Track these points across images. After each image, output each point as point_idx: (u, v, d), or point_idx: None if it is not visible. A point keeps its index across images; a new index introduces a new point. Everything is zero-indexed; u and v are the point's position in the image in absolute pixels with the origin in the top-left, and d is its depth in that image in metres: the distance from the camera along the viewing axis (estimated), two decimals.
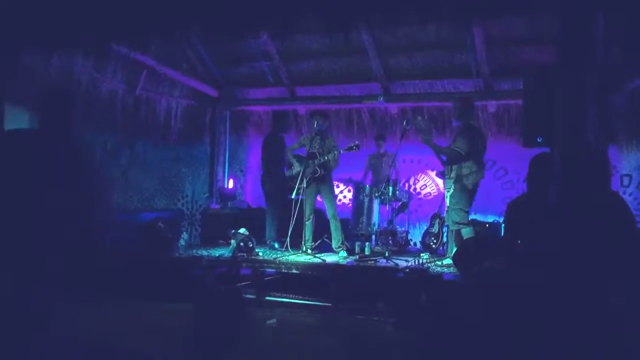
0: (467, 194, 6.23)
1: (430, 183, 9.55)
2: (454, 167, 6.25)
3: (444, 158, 6.41)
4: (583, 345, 2.58)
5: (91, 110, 7.75)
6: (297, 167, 7.17)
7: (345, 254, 7.01)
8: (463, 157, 6.15)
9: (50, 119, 2.98)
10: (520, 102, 6.37)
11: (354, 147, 6.92)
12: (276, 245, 7.53)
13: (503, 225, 3.92)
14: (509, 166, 8.93)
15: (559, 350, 2.60)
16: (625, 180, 8.31)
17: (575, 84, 3.73)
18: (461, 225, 6.17)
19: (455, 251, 5.78)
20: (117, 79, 8.27)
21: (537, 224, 3.29)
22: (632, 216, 3.08)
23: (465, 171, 6.18)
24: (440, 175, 6.81)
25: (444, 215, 6.69)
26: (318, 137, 7.15)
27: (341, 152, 6.98)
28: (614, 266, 2.78)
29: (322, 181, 7.13)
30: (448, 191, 6.35)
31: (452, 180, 6.25)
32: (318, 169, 7.02)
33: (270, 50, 9.00)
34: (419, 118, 6.52)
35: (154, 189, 9.10)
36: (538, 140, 4.37)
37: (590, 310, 2.60)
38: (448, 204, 6.34)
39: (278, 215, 7.67)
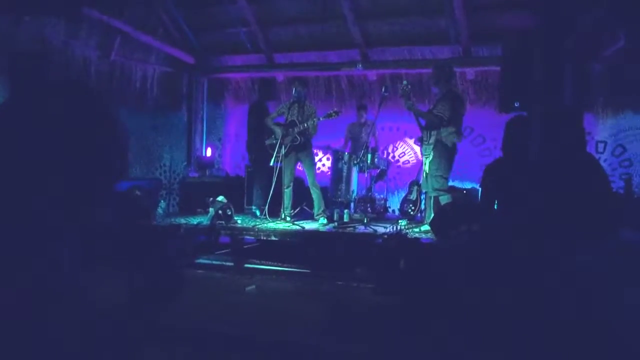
0: (446, 160, 6.23)
1: (408, 151, 9.58)
2: (433, 132, 6.25)
3: (423, 122, 6.40)
4: (553, 302, 2.63)
5: (64, 77, 7.57)
6: (277, 135, 7.13)
7: (325, 221, 7.03)
8: (445, 122, 6.15)
9: (24, 82, 2.88)
10: (498, 69, 6.39)
11: (333, 114, 6.89)
12: (258, 213, 7.52)
13: (480, 190, 3.95)
14: (487, 133, 8.98)
15: (532, 307, 2.65)
16: (600, 147, 8.42)
17: (554, 48, 3.73)
18: (440, 192, 6.20)
19: (433, 217, 5.82)
20: (90, 45, 8.07)
21: (512, 186, 3.31)
22: (606, 176, 3.12)
23: (444, 134, 6.19)
24: (418, 142, 6.81)
25: (422, 182, 6.72)
26: (297, 104, 7.09)
27: (320, 119, 6.94)
28: (586, 225, 2.82)
29: (302, 149, 7.10)
30: (427, 157, 6.35)
31: (431, 146, 6.25)
32: (297, 136, 6.98)
33: (247, 16, 8.85)
34: (405, 82, 6.48)
35: (131, 157, 8.98)
36: (515, 104, 4.39)
37: (562, 267, 2.65)
38: (427, 171, 6.35)
39: (264, 183, 7.61)
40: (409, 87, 6.43)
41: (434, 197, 6.29)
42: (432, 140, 6.25)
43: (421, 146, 6.57)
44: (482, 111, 8.81)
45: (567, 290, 2.63)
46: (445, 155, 6.22)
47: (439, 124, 6.17)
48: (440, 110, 6.15)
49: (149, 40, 8.84)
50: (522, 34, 4.48)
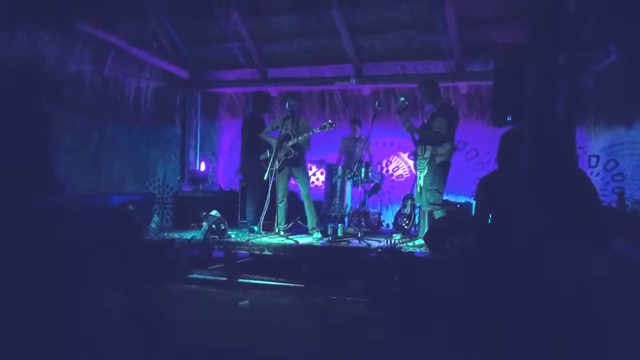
0: (441, 174, 6.24)
1: (402, 165, 9.61)
2: (428, 147, 6.24)
3: (417, 137, 6.41)
4: (549, 314, 2.64)
5: (58, 91, 7.58)
6: (271, 150, 7.12)
7: (319, 235, 7.02)
8: (443, 137, 6.14)
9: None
10: (491, 83, 6.45)
11: (328, 126, 6.88)
12: (256, 229, 7.43)
13: (474, 203, 3.97)
14: (480, 147, 9.03)
15: (527, 320, 2.66)
16: (593, 161, 8.47)
17: (545, 61, 3.77)
18: (435, 207, 6.20)
19: (427, 230, 5.83)
20: (84, 60, 8.09)
21: (506, 199, 3.33)
22: (595, 190, 3.15)
23: (441, 150, 6.19)
24: (412, 156, 6.82)
25: (415, 196, 6.73)
26: (290, 119, 7.12)
27: (315, 131, 6.92)
28: (577, 237, 2.84)
29: (296, 163, 7.11)
30: (421, 172, 6.35)
31: (427, 160, 6.24)
32: (292, 150, 7.00)
33: (241, 31, 8.91)
34: (402, 99, 6.47)
35: (124, 172, 8.98)
36: (507, 119, 4.43)
37: (554, 278, 2.66)
38: (421, 185, 6.35)
39: (258, 198, 7.59)
40: (407, 103, 6.43)
41: (428, 211, 6.30)
42: (427, 154, 6.25)
43: (415, 160, 6.58)
44: (476, 125, 8.87)
45: (561, 300, 2.65)
46: (440, 169, 6.23)
47: (438, 140, 6.16)
48: (438, 125, 6.15)
49: (143, 55, 8.87)
50: (513, 48, 4.54)
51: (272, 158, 6.95)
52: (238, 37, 9.03)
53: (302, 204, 7.25)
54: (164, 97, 9.77)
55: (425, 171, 6.25)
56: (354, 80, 8.89)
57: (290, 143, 7.00)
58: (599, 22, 6.67)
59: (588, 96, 7.99)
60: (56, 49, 7.57)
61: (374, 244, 6.44)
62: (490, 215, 3.80)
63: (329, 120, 7.03)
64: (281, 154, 7.02)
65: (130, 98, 9.07)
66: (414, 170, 8.23)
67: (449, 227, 5.17)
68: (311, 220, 7.13)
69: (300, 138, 6.95)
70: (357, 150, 8.43)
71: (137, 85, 9.17)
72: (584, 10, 6.72)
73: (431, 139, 6.20)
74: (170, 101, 9.98)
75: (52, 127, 6.73)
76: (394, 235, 7.19)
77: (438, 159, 6.20)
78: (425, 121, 6.46)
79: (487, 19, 7.71)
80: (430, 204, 6.21)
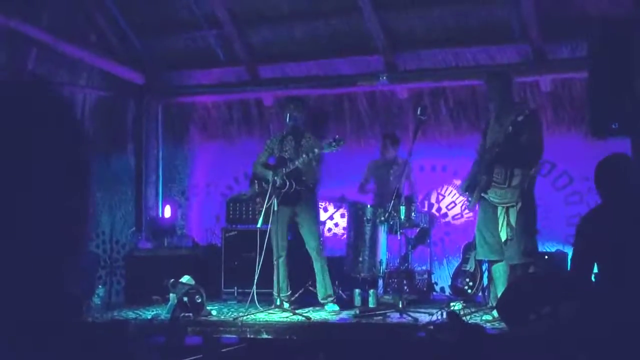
0: (534, 208, 6.34)
1: (460, 199, 9.56)
2: (516, 170, 6.24)
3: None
4: None
5: None
6: (265, 183, 7.11)
7: (335, 307, 6.97)
8: (539, 157, 6.24)
9: None
10: (585, 75, 6.44)
11: (334, 145, 6.78)
12: (278, 301, 7.22)
13: (572, 250, 3.92)
14: (574, 170, 8.96)
15: None
16: None
17: None
18: (532, 258, 6.20)
19: (501, 295, 5.78)
20: None
21: (619, 247, 3.30)
22: None
23: (533, 172, 6.26)
24: (465, 186, 6.77)
25: (479, 245, 6.64)
26: (291, 136, 7.12)
27: (316, 152, 6.82)
28: None
29: (298, 200, 7.07)
30: (504, 207, 6.28)
31: (516, 191, 6.21)
32: (287, 181, 6.90)
33: (219, 12, 9.01)
34: None
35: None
36: (612, 126, 4.41)
37: None
38: (514, 225, 6.28)
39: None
40: None
41: (511, 266, 6.25)
42: (515, 181, 6.23)
43: (465, 193, 6.59)
44: (566, 138, 8.83)
45: None
46: (533, 202, 6.31)
47: (535, 162, 6.24)
48: (533, 141, 6.19)
49: (78, 53, 8.97)
50: (615, 24, 4.54)
51: (267, 194, 6.91)
52: (215, 22, 9.12)
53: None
54: (109, 112, 9.86)
55: (519, 205, 6.21)
56: (384, 78, 8.92)
57: (285, 170, 6.92)
58: None
59: None
60: None
61: (423, 318, 6.39)
62: (598, 270, 3.77)
63: (336, 136, 6.97)
64: (275, 188, 6.94)
65: None
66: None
67: (535, 289, 5.13)
68: (322, 285, 7.07)
69: (299, 161, 6.85)
70: (392, 178, 8.40)
71: (70, 95, 9.26)
72: None
73: (524, 160, 6.24)
74: (118, 118, 10.06)
75: None
76: (452, 303, 7.13)
77: (530, 188, 6.24)
78: (501, 134, 6.44)
79: None
80: (527, 253, 6.18)
